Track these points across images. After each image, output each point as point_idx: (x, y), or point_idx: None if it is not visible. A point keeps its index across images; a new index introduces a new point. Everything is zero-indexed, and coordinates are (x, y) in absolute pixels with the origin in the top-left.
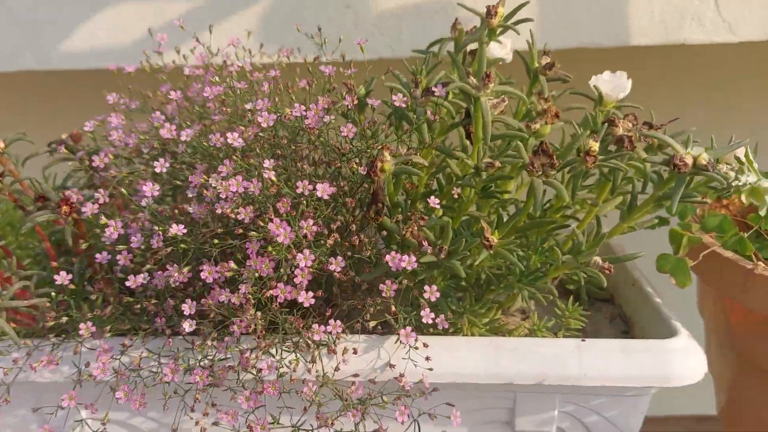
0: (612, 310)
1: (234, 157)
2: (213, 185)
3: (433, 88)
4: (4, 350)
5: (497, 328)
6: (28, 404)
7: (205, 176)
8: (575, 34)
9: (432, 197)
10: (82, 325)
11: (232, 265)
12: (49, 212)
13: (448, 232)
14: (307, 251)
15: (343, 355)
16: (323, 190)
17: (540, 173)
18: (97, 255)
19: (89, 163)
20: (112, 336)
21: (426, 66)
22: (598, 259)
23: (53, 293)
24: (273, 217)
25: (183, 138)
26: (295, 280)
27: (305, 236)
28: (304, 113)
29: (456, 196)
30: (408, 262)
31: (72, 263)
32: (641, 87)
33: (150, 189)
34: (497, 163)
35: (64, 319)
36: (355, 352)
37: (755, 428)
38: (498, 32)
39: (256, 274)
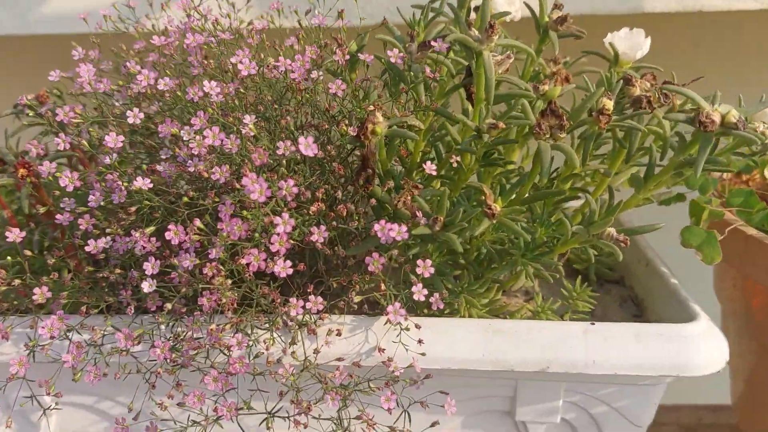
0: (622, 291)
1: (210, 108)
2: (185, 139)
3: (431, 42)
4: None
5: (497, 310)
6: None
7: (175, 130)
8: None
9: (428, 162)
10: (36, 290)
11: (198, 224)
12: (6, 176)
13: (443, 202)
14: (285, 215)
15: (326, 336)
16: (306, 145)
17: (548, 136)
18: (57, 216)
19: (53, 118)
20: (69, 309)
21: (424, 19)
22: (612, 230)
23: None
24: (247, 172)
25: (161, 87)
26: (271, 247)
27: (285, 200)
28: (289, 67)
29: (455, 165)
30: (398, 231)
31: (31, 214)
32: (656, 57)
33: (113, 140)
34: (501, 124)
35: (16, 281)
36: (338, 333)
37: None
38: None
39: (228, 240)
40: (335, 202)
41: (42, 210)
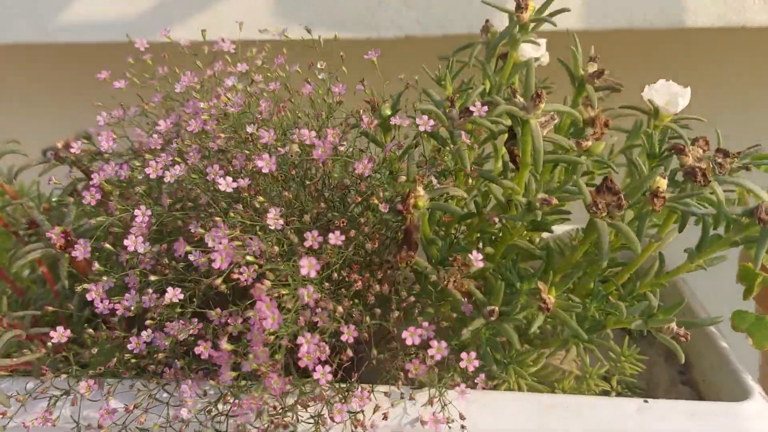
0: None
1: (231, 214)
2: (209, 245)
3: (472, 108)
4: None
5: (546, 377)
6: None
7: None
8: (624, 12)
9: (475, 252)
10: (83, 384)
11: (225, 345)
12: (43, 246)
13: (499, 291)
14: (308, 334)
15: (373, 414)
16: (336, 238)
17: (605, 214)
18: (98, 304)
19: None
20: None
21: (450, 71)
22: (673, 325)
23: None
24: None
25: (167, 179)
26: (299, 363)
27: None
28: (313, 140)
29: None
30: (438, 349)
31: (70, 288)
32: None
33: (133, 242)
34: (554, 200)
35: (63, 376)
36: (384, 417)
37: None
38: (531, 28)
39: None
40: (372, 277)
41: (79, 288)
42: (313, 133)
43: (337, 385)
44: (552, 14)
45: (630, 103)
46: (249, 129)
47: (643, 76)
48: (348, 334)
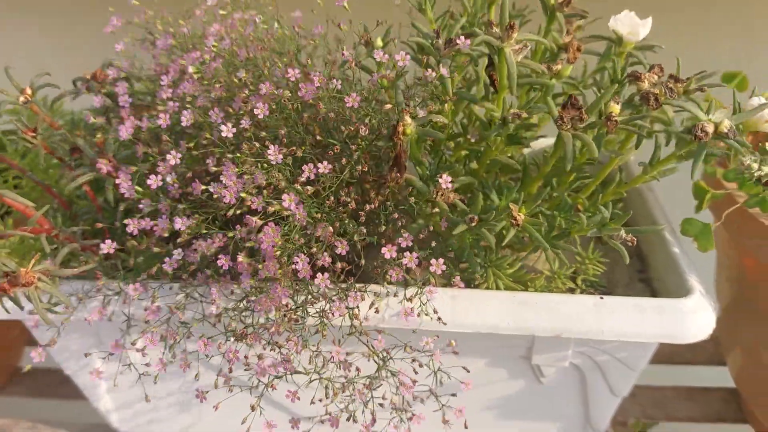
0: (629, 248)
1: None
2: (222, 181)
3: (457, 40)
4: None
5: (521, 277)
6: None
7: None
8: None
9: (444, 176)
10: (131, 286)
11: (243, 258)
12: (90, 171)
13: (477, 201)
14: (302, 255)
15: (371, 309)
16: (324, 167)
17: (569, 127)
18: (129, 225)
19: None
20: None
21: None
22: (622, 233)
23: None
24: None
25: (183, 122)
26: (298, 274)
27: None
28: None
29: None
30: (410, 258)
31: (115, 204)
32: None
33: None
34: (524, 114)
35: (113, 281)
36: (377, 311)
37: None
38: None
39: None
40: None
41: (122, 208)
42: (297, 71)
43: (337, 286)
44: None
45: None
46: (240, 74)
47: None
48: (341, 248)
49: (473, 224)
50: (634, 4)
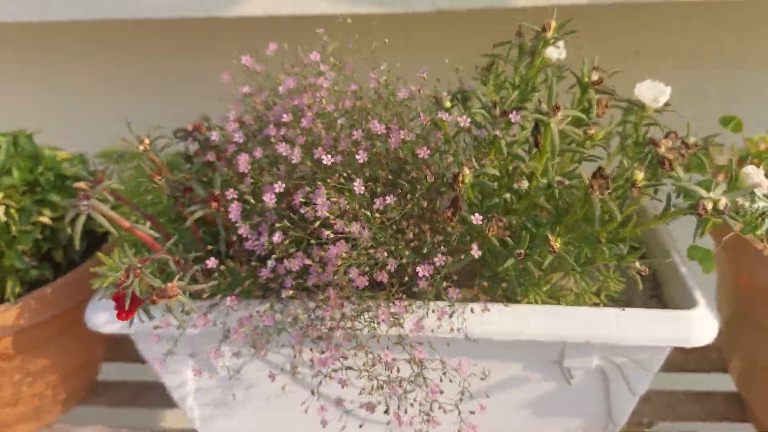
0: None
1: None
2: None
3: (509, 113)
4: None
5: (554, 294)
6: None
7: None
8: None
9: (476, 215)
10: (228, 299)
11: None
12: (202, 207)
13: (525, 239)
14: (355, 269)
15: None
16: (391, 199)
17: (597, 192)
18: (246, 244)
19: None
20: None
21: (494, 74)
22: (637, 264)
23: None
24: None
25: (294, 161)
26: (356, 284)
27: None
28: (383, 131)
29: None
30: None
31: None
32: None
33: (269, 199)
34: (566, 182)
35: (218, 297)
36: (421, 324)
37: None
38: (552, 42)
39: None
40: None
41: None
42: (383, 127)
43: (389, 296)
44: (567, 33)
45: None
46: (339, 122)
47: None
48: (390, 266)
49: (520, 257)
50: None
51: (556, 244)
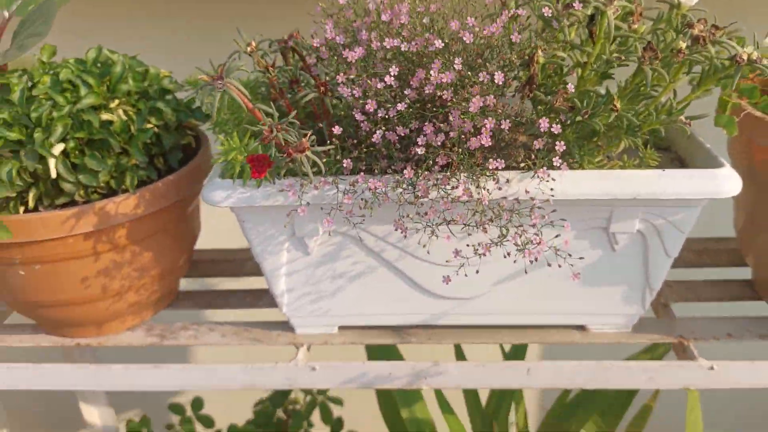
0: (671, 155)
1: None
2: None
3: (573, 4)
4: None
5: (603, 167)
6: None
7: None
8: None
9: (570, 84)
10: (345, 161)
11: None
12: (312, 92)
13: (591, 99)
14: (488, 121)
15: (504, 181)
16: (498, 78)
17: (648, 63)
18: (357, 116)
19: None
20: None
21: None
22: (682, 117)
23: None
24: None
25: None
26: (481, 138)
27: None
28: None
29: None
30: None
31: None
32: None
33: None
34: (623, 57)
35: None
36: (507, 181)
37: (765, 244)
38: None
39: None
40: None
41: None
42: (472, 20)
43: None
44: None
45: None
46: (424, 20)
47: None
48: (504, 125)
49: (586, 116)
50: None
51: (617, 104)
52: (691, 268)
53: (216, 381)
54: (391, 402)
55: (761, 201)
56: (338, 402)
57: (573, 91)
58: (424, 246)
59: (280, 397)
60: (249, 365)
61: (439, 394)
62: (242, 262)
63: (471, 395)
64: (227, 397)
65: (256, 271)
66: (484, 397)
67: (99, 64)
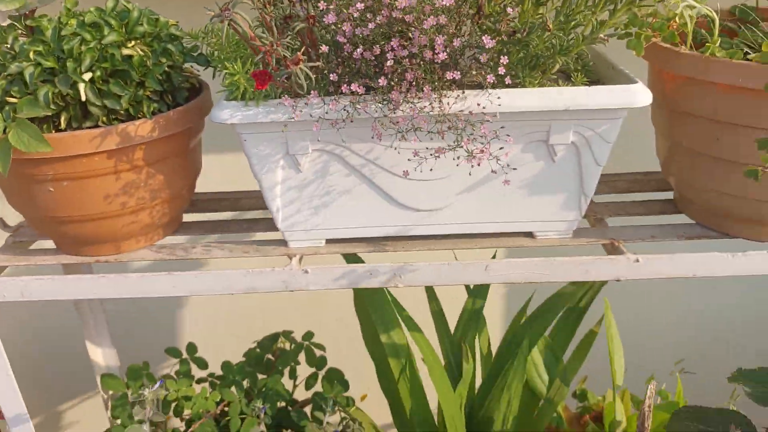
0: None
1: None
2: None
3: None
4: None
5: (542, 86)
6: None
7: None
8: None
9: (509, 8)
10: (332, 75)
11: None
12: (301, 23)
13: (526, 23)
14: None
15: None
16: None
17: None
18: (339, 38)
19: None
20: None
21: None
22: (602, 35)
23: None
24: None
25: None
26: (437, 55)
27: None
28: None
29: None
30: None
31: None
32: None
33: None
34: None
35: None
36: (463, 92)
37: (686, 166)
38: None
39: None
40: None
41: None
42: None
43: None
44: None
45: None
46: None
47: None
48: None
49: (525, 34)
50: None
51: (550, 24)
52: (623, 194)
53: (223, 284)
54: (372, 330)
55: (675, 125)
56: (321, 347)
57: (514, 14)
58: (395, 148)
59: (269, 342)
60: (250, 270)
61: (411, 323)
62: (237, 200)
63: (441, 323)
64: (221, 342)
65: (252, 206)
66: (452, 328)
67: (116, 12)
